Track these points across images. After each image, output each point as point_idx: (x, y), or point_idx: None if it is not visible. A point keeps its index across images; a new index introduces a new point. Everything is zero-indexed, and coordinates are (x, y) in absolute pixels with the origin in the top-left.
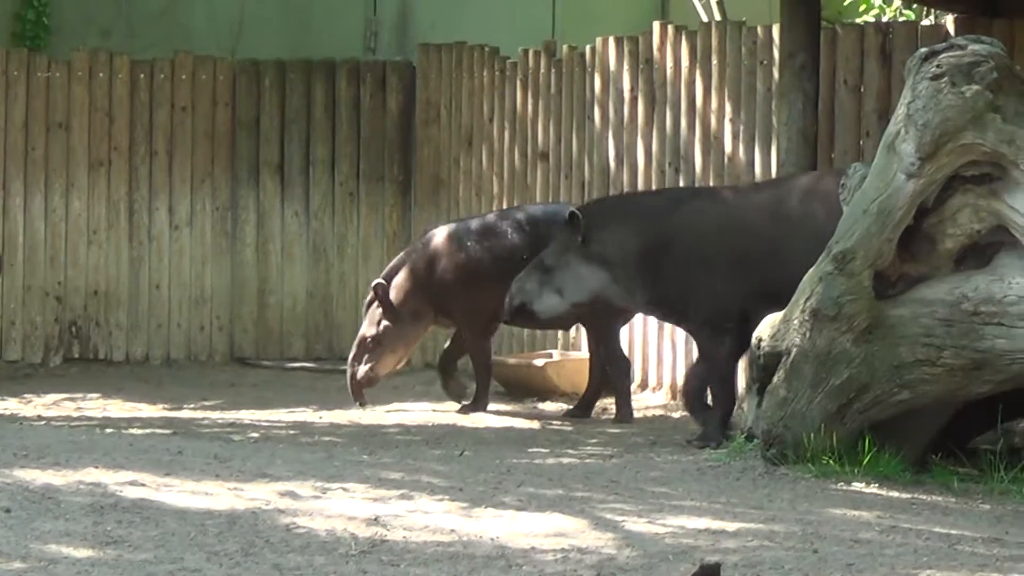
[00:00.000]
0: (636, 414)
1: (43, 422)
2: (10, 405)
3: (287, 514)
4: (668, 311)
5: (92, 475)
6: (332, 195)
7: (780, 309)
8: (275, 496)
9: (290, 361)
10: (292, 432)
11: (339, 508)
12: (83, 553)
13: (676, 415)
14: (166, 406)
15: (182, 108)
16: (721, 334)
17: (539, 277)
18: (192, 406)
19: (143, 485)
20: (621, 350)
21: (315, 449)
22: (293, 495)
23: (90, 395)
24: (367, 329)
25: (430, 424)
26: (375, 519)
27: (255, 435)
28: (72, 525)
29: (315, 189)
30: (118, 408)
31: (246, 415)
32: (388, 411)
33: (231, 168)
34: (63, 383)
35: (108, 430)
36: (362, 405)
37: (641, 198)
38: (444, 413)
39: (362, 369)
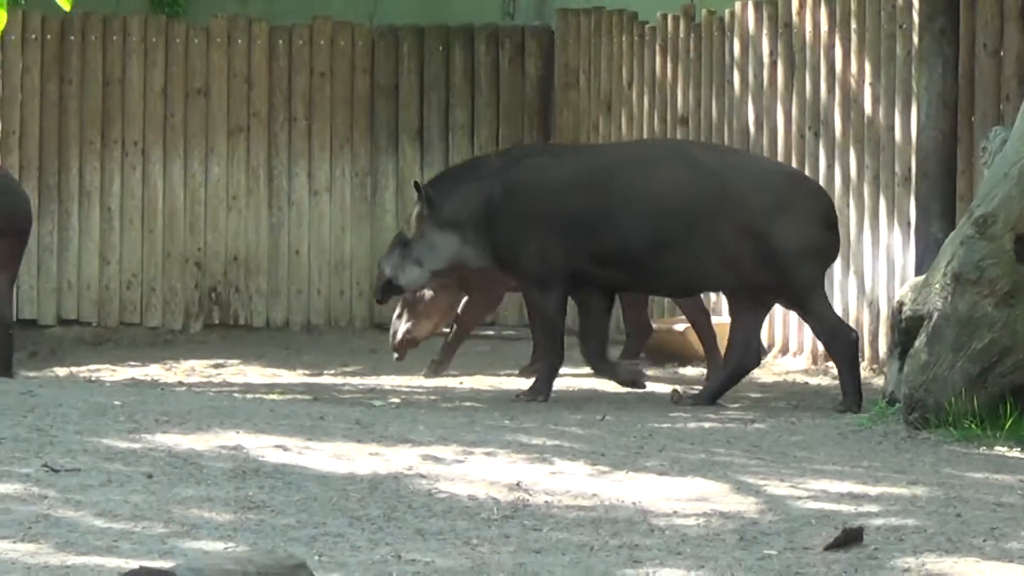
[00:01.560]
0: (777, 378)
1: (184, 388)
2: (151, 371)
3: (429, 479)
4: (506, 267)
5: (234, 440)
6: None
7: (613, 272)
8: (417, 461)
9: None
10: (433, 398)
11: (481, 472)
12: (225, 517)
13: (816, 380)
14: (306, 372)
15: (321, 74)
16: (548, 289)
17: (400, 251)
18: (333, 372)
19: (285, 450)
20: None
21: (456, 414)
22: (435, 459)
23: (230, 361)
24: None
25: (571, 389)
26: (517, 483)
27: (396, 400)
28: (214, 490)
29: (454, 154)
30: (258, 374)
31: (387, 381)
32: (525, 375)
33: (370, 134)
34: (203, 349)
35: (249, 396)
36: (399, 359)
37: (485, 159)
38: (584, 378)
39: (402, 329)
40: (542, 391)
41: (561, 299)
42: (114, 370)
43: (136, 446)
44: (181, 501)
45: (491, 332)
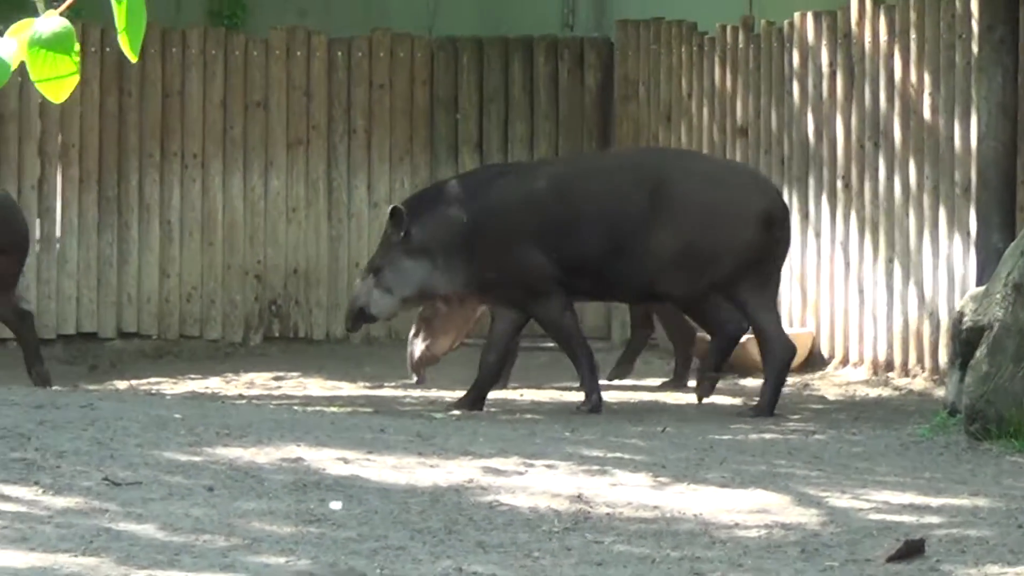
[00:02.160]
0: (838, 389)
1: (245, 401)
2: (212, 384)
3: (490, 491)
4: (490, 290)
5: (295, 453)
6: None
7: (579, 280)
8: (478, 473)
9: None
10: (493, 410)
11: (542, 485)
12: (286, 531)
13: (877, 391)
14: (367, 384)
15: (380, 86)
16: (548, 297)
17: (371, 279)
18: (393, 384)
19: (346, 463)
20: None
21: (517, 426)
22: (496, 472)
23: (291, 374)
24: (427, 308)
25: (631, 401)
26: (578, 495)
27: (456, 413)
28: (275, 503)
29: None
30: (319, 387)
31: (447, 393)
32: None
33: (430, 146)
34: (264, 362)
35: (309, 408)
36: (418, 383)
37: (451, 184)
38: (644, 391)
39: (419, 348)
40: (592, 393)
41: (563, 302)
42: (174, 383)
43: (197, 459)
44: (242, 514)
45: (551, 344)
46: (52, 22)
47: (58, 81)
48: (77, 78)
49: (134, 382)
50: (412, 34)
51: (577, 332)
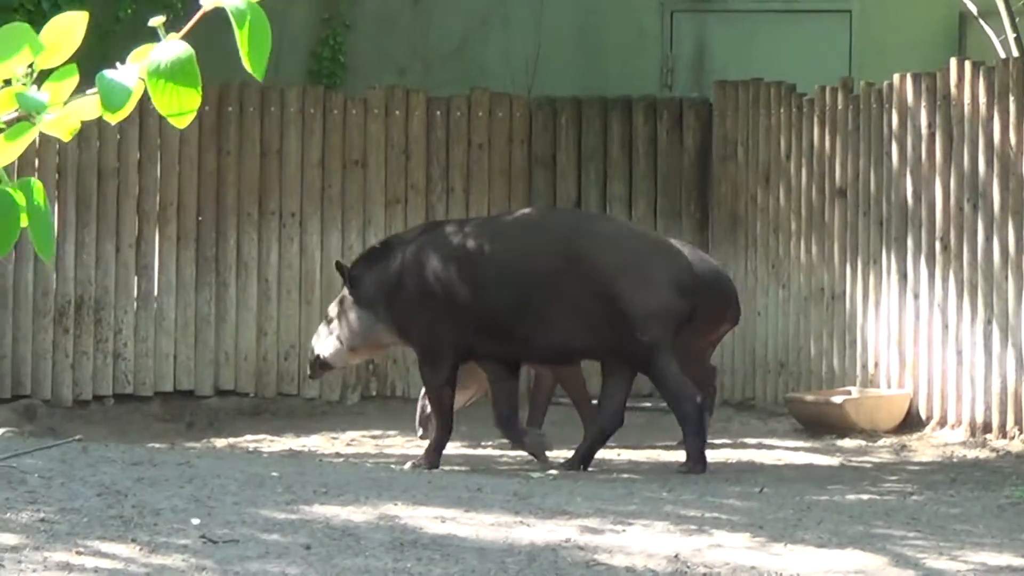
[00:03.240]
0: (935, 451)
1: (342, 459)
2: (309, 442)
3: (587, 550)
4: (406, 341)
5: (392, 511)
6: None
7: (487, 342)
8: (575, 532)
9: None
10: (590, 469)
11: (639, 544)
12: None
13: (975, 452)
14: (464, 443)
15: (479, 145)
16: (437, 363)
17: (326, 329)
18: (491, 443)
19: (443, 521)
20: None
21: (614, 485)
22: (593, 531)
23: (389, 432)
24: None
25: (729, 461)
26: (675, 555)
27: (554, 472)
28: (372, 562)
29: None
30: (416, 446)
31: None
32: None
33: (528, 204)
34: (361, 420)
35: (406, 467)
36: (423, 437)
37: (397, 238)
38: (743, 449)
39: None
40: (430, 461)
41: (449, 372)
42: (272, 441)
43: (294, 517)
44: (339, 573)
45: (648, 404)
46: (173, 47)
47: (180, 106)
48: (198, 103)
49: (231, 440)
50: (511, 94)
51: (448, 407)
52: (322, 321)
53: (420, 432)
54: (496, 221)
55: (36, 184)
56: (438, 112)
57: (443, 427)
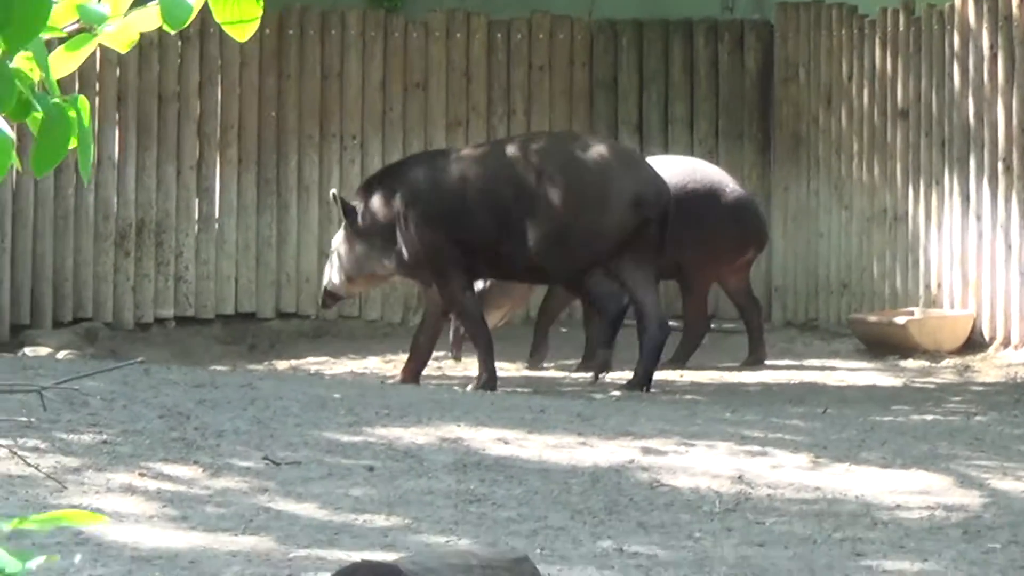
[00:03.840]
0: (999, 371)
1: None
2: (370, 364)
3: (650, 471)
4: (411, 270)
5: (455, 433)
6: (691, 153)
7: (475, 261)
8: (638, 454)
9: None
10: (653, 390)
11: (703, 465)
12: (447, 511)
13: None
14: (526, 365)
15: (539, 68)
16: (449, 277)
17: (332, 259)
18: (552, 365)
19: (506, 443)
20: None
21: (677, 407)
22: (656, 452)
23: (449, 354)
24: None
25: (792, 382)
26: (739, 476)
27: (617, 393)
28: (435, 483)
29: (674, 148)
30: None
31: (608, 373)
32: (747, 369)
33: (589, 127)
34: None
35: (468, 388)
36: (456, 359)
37: (393, 167)
38: (806, 371)
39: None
40: (488, 372)
41: (462, 283)
42: (333, 363)
43: (357, 439)
44: (403, 494)
45: (714, 324)
46: None
47: (241, 14)
48: (259, 12)
49: (293, 362)
50: (572, 17)
51: (476, 311)
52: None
53: (453, 352)
54: (483, 148)
55: (82, 101)
56: (499, 35)
57: (482, 340)
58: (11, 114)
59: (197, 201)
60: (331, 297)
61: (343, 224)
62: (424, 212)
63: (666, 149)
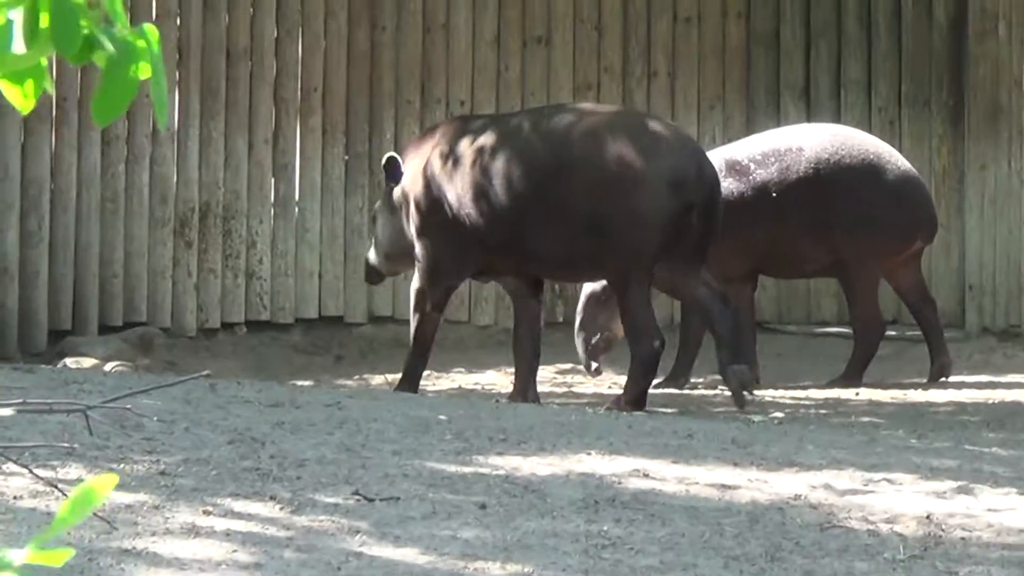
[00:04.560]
0: None
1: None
2: (484, 378)
3: (820, 510)
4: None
5: (584, 463)
6: (868, 122)
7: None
8: (805, 489)
9: (820, 325)
10: (823, 411)
11: (883, 503)
12: (575, 558)
13: None
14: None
15: (686, 19)
16: (429, 279)
17: (372, 228)
18: (703, 380)
19: (646, 475)
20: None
21: (852, 432)
22: (827, 487)
23: (579, 367)
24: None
25: (990, 401)
26: (927, 516)
27: (779, 415)
28: (561, 524)
29: (847, 116)
30: (611, 383)
31: (768, 391)
32: (938, 387)
33: (746, 91)
34: (545, 352)
35: (601, 409)
36: (595, 373)
37: (428, 132)
38: (1008, 389)
39: (593, 331)
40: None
41: (441, 293)
42: (438, 377)
43: (466, 470)
44: (521, 537)
45: (893, 332)
46: None
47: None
48: None
49: (389, 376)
50: None
51: (429, 331)
52: None
53: (593, 369)
54: (514, 118)
55: (151, 30)
56: None
57: (421, 354)
58: (73, 57)
59: (273, 181)
60: (375, 273)
61: (383, 191)
62: (432, 195)
63: (838, 117)
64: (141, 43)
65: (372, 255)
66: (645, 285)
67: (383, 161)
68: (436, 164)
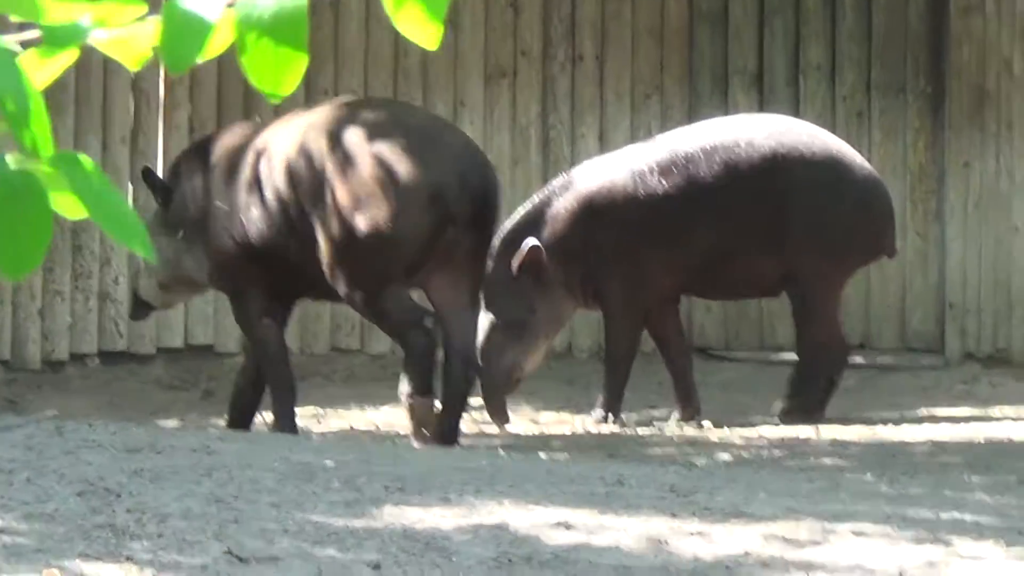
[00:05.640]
0: None
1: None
2: (379, 416)
3: (773, 568)
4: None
5: (496, 514)
6: (832, 114)
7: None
8: (757, 543)
9: (773, 352)
10: (777, 452)
11: (848, 559)
12: None
13: None
14: (598, 413)
15: None
16: (240, 297)
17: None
18: (636, 415)
19: (569, 528)
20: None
21: (812, 476)
22: (782, 541)
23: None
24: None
25: (974, 441)
26: (899, 574)
27: (726, 456)
28: None
29: (807, 107)
30: (530, 419)
31: (711, 429)
32: (913, 423)
33: (688, 78)
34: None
35: (517, 452)
36: (501, 424)
37: (209, 139)
38: (996, 422)
39: (501, 367)
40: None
41: (259, 305)
42: (324, 416)
43: (357, 524)
44: None
45: (860, 359)
46: None
47: (278, 72)
48: (303, 68)
49: (267, 415)
50: None
51: (275, 347)
52: None
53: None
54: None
55: (85, 160)
56: None
57: (280, 377)
58: None
59: (131, 186)
60: (143, 307)
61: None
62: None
63: (793, 109)
64: (61, 172)
65: (143, 286)
66: (402, 301)
67: (144, 177)
68: (218, 174)
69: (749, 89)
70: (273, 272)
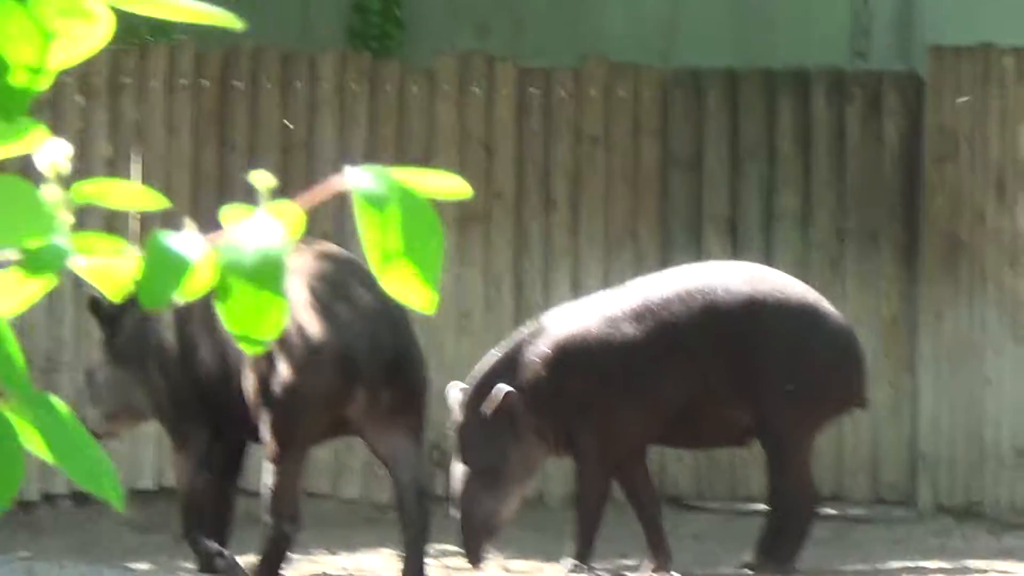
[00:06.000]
0: None
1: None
2: (365, 563)
3: None
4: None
5: None
6: (806, 262)
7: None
8: None
9: (745, 502)
10: None
11: None
12: None
13: None
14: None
15: (592, 138)
16: (184, 442)
17: (88, 384)
18: (608, 565)
19: None
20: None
21: None
22: None
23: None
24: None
25: None
26: None
27: None
28: None
29: (780, 254)
30: (499, 567)
31: None
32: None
33: (661, 224)
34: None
35: None
36: (477, 566)
37: None
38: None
39: (479, 517)
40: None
41: (199, 452)
42: (293, 559)
43: None
44: None
45: (831, 511)
46: (264, 231)
47: (258, 319)
48: (284, 314)
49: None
50: (638, 65)
51: (198, 499)
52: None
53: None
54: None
55: (59, 404)
56: (534, 90)
57: (200, 533)
58: None
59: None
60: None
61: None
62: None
63: (767, 256)
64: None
65: (88, 416)
66: (297, 465)
67: (90, 308)
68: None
69: (722, 235)
70: (218, 413)
